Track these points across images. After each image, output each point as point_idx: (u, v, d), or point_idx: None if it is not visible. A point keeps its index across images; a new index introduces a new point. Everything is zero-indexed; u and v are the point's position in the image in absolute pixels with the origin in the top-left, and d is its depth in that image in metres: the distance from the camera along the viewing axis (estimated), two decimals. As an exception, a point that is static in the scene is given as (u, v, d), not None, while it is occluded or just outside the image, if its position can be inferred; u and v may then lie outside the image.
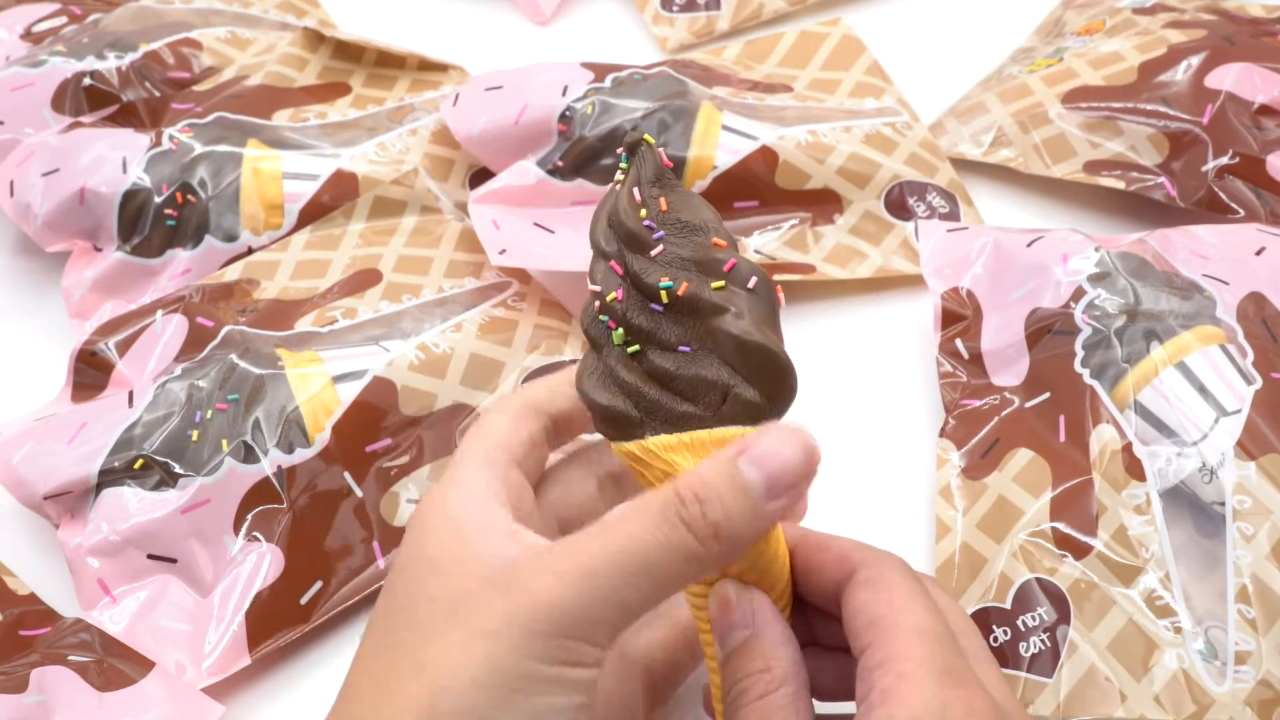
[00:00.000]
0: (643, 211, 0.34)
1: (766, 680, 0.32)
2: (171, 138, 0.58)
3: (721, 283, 0.33)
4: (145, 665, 0.43)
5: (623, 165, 0.36)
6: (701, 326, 0.33)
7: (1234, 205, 0.55)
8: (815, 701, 0.34)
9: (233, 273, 0.55)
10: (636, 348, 0.34)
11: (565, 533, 0.34)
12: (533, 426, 0.36)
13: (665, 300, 0.33)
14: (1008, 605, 0.42)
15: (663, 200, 0.34)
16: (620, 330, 0.34)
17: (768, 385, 0.33)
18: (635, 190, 0.35)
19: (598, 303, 0.34)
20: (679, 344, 0.33)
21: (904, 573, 0.34)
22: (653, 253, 0.34)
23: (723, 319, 0.33)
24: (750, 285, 0.33)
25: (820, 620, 0.37)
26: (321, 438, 0.47)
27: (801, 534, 0.36)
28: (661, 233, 0.34)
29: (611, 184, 0.36)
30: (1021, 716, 0.33)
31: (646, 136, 0.35)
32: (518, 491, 0.35)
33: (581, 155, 0.56)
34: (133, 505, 0.46)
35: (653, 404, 0.33)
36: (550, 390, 0.37)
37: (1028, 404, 0.47)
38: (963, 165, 0.60)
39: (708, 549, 0.30)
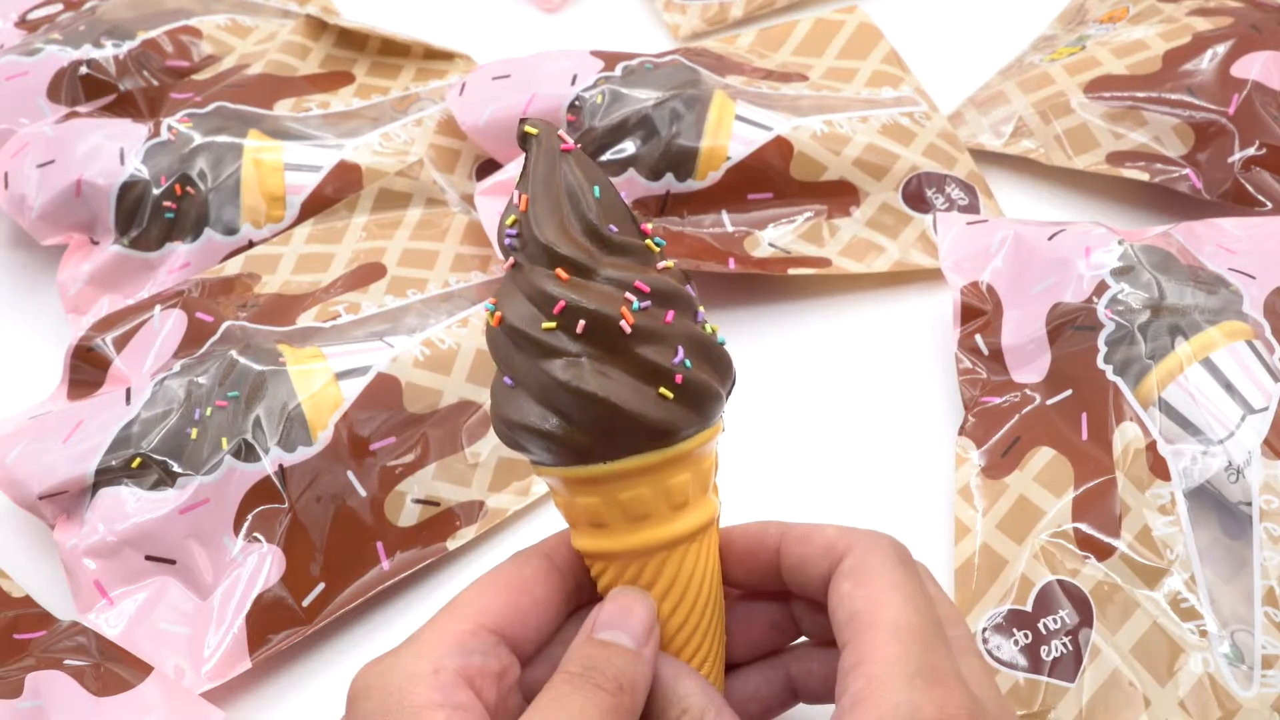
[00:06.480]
0: (510, 218, 0.33)
1: None
2: (170, 128, 0.58)
3: (552, 324, 0.32)
4: (143, 669, 0.43)
5: None
6: (526, 363, 0.32)
7: (1261, 197, 0.54)
8: (806, 706, 0.36)
9: (233, 267, 0.55)
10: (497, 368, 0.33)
11: None
12: (536, 589, 0.35)
13: (493, 323, 0.32)
14: (1029, 608, 0.42)
15: (523, 201, 0.32)
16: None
17: (592, 430, 0.32)
18: (515, 193, 0.33)
19: None
20: (505, 373, 0.33)
21: (890, 560, 0.33)
22: (506, 265, 0.33)
23: (544, 363, 0.32)
24: (578, 330, 0.31)
25: (810, 614, 0.36)
26: (324, 435, 0.47)
27: (784, 529, 0.36)
28: (511, 241, 0.33)
29: None
30: (1003, 711, 0.32)
31: (529, 128, 0.33)
32: (484, 670, 0.33)
33: (591, 146, 0.56)
34: (130, 505, 0.46)
35: (501, 432, 0.33)
36: (566, 541, 0.36)
37: (1049, 401, 0.47)
38: (982, 156, 0.60)
39: (620, 700, 0.32)
